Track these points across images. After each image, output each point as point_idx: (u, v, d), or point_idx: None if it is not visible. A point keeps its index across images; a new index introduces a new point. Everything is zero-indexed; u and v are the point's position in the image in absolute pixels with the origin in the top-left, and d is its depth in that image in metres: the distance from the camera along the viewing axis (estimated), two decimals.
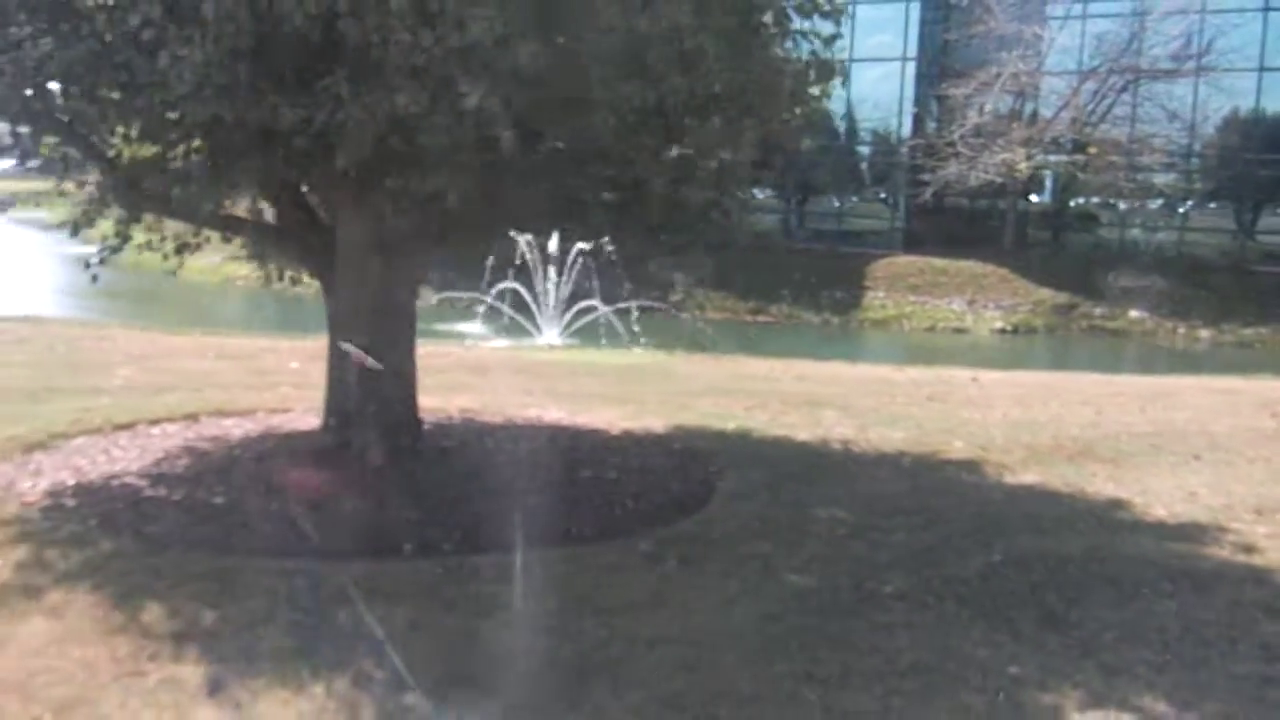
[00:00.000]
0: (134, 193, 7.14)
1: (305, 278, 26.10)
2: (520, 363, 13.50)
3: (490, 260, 22.19)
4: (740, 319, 30.88)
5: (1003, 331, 30.32)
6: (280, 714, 4.32)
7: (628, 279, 22.34)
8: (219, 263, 37.64)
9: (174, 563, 5.74)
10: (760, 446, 8.99)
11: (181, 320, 23.72)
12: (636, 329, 20.63)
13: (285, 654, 4.79)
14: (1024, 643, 5.22)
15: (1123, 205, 36.45)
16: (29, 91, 5.42)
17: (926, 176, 33.04)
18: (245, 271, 35.36)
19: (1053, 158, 33.11)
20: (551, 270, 23.26)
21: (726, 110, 6.74)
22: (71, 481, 7.13)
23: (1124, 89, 34.22)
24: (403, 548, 6.20)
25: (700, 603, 5.53)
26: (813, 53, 7.21)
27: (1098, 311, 31.10)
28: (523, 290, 23.55)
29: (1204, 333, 29.41)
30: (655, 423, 9.67)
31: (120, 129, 6.58)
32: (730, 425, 9.72)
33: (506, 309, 23.17)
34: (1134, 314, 30.69)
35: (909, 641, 5.16)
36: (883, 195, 38.65)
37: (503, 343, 21.19)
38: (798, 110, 7.38)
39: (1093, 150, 32.07)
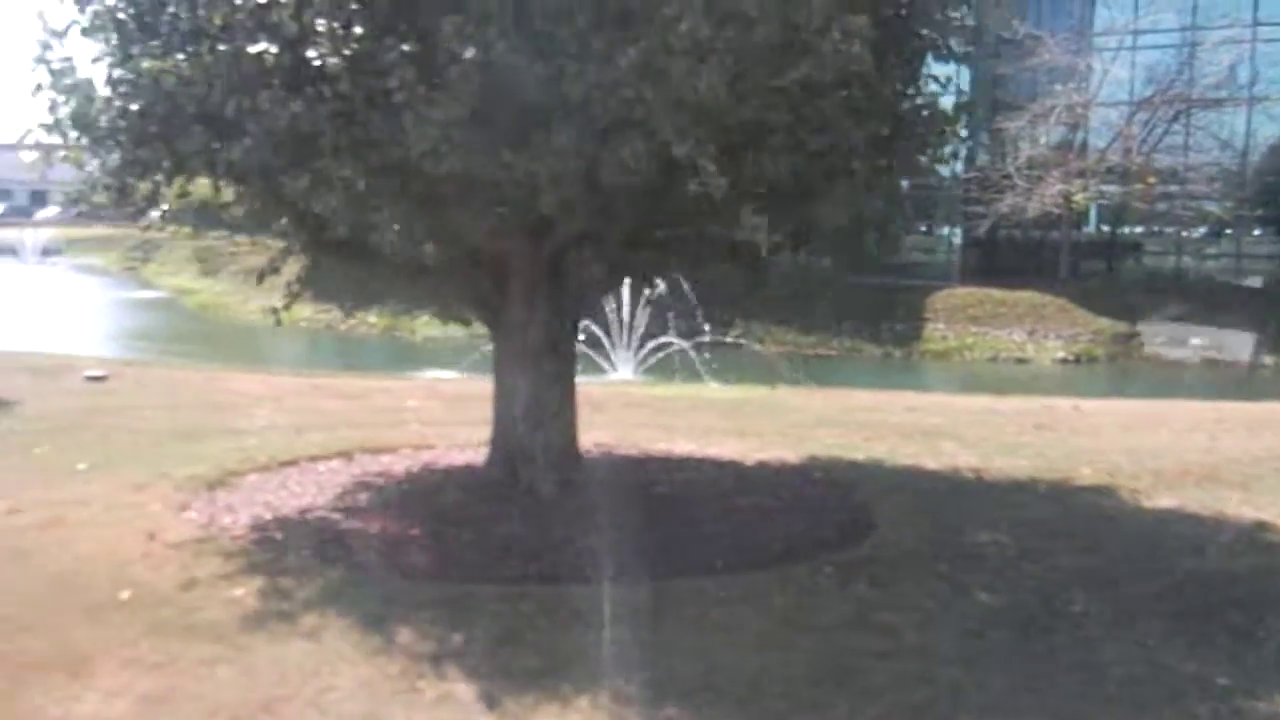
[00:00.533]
0: (318, 242, 7.58)
1: (372, 318, 27.02)
2: (630, 398, 13.83)
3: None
4: (801, 352, 31.08)
5: (1065, 361, 30.45)
6: None
7: (701, 315, 22.81)
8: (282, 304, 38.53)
9: (401, 590, 6.10)
10: (896, 476, 9.27)
11: (267, 361, 24.10)
12: (711, 364, 21.02)
13: (538, 671, 5.11)
14: (1222, 657, 5.48)
15: (1175, 233, 36.60)
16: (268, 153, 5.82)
17: (981, 209, 33.30)
18: (307, 313, 36.23)
19: (1108, 188, 33.29)
20: (624, 306, 23.69)
21: (890, 148, 7.12)
22: (268, 516, 7.51)
23: (1175, 118, 34.46)
24: (606, 573, 6.52)
25: (903, 621, 5.82)
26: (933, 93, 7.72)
27: (1159, 340, 31.18)
28: (594, 326, 23.96)
29: (1269, 359, 29.44)
30: (785, 454, 9.98)
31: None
32: (858, 456, 10.02)
33: (580, 345, 23.47)
34: (1195, 341, 30.75)
35: (1115, 655, 5.43)
36: (934, 229, 38.89)
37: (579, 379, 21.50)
38: (947, 148, 7.75)
39: (1151, 180, 32.25)
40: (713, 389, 15.57)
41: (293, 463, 9.15)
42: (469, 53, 5.32)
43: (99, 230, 74.59)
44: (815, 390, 15.93)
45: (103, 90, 6.53)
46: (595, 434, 10.59)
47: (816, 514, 8.10)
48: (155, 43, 6.02)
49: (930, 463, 9.88)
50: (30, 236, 60.11)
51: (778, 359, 24.01)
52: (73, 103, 6.58)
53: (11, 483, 8.25)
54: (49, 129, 7.00)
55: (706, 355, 21.61)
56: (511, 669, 5.13)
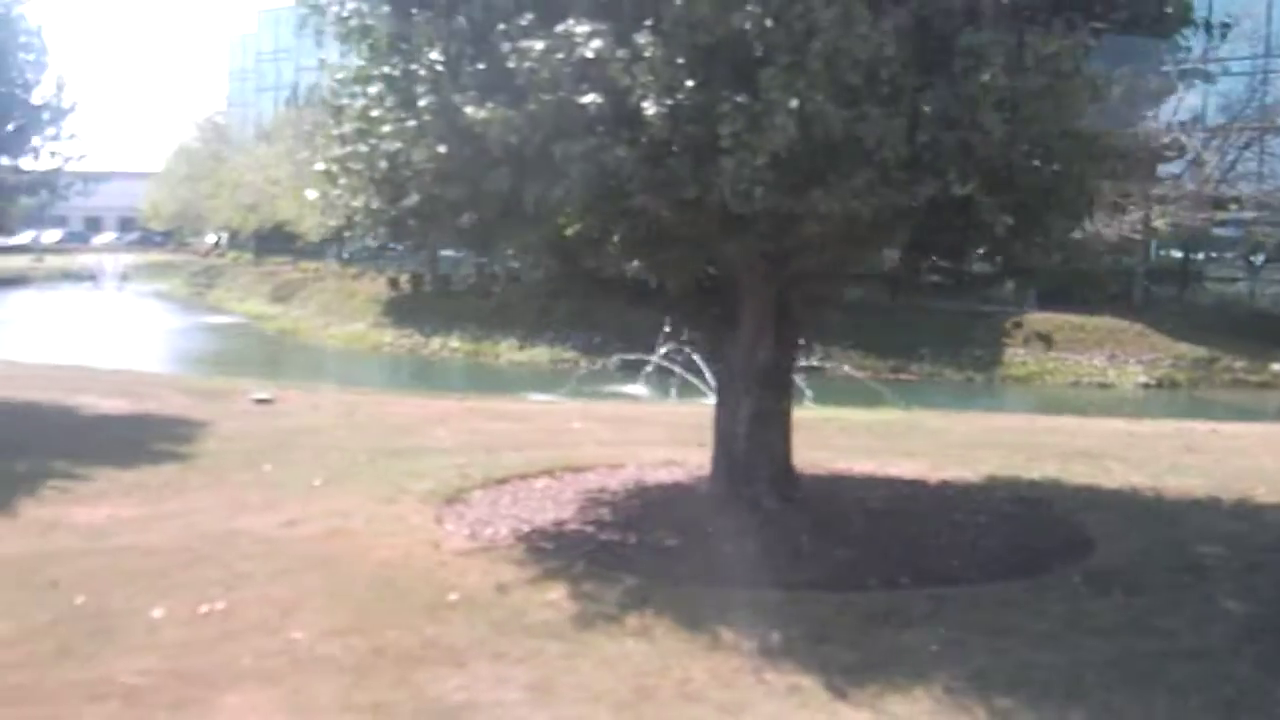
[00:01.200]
0: (573, 275, 8.16)
1: (454, 343, 27.72)
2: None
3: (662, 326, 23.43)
4: (881, 377, 31.41)
5: (1147, 386, 30.65)
6: (908, 710, 5.11)
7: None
8: (363, 330, 39.41)
9: (694, 595, 6.58)
10: (1082, 495, 9.68)
11: (379, 384, 24.74)
12: (807, 390, 21.53)
13: (860, 666, 5.59)
14: None
15: (1242, 258, 36.77)
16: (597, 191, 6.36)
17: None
18: (389, 339, 36.97)
19: (1191, 214, 33.48)
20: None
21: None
22: (526, 528, 8.04)
23: (1247, 145, 34.74)
24: (868, 581, 7.00)
25: (1177, 625, 6.25)
26: None
27: (1239, 365, 31.34)
28: (690, 351, 24.48)
29: None
30: (964, 474, 10.42)
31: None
32: (1034, 475, 10.44)
33: (678, 369, 24.05)
34: (1276, 367, 30.90)
35: None
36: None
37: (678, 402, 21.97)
38: None
39: (1234, 206, 32.50)
40: (845, 412, 16.03)
41: (506, 481, 9.67)
42: (793, 103, 5.84)
43: (155, 256, 76.37)
44: (946, 413, 16.37)
45: (388, 133, 7.10)
46: None
47: (1030, 529, 8.55)
48: (473, 92, 6.58)
49: (1105, 482, 10.27)
50: (110, 263, 61.40)
51: (870, 384, 24.41)
52: (360, 145, 7.19)
53: (267, 498, 8.83)
54: (328, 169, 7.64)
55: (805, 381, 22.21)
56: (836, 664, 5.59)
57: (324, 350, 36.90)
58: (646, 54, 6.00)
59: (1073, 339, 32.62)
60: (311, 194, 8.18)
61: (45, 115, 12.43)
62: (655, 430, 13.23)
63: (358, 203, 7.59)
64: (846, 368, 27.10)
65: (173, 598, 6.32)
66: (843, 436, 13.07)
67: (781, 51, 5.94)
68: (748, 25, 5.98)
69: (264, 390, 14.75)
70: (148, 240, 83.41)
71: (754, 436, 8.65)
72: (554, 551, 7.44)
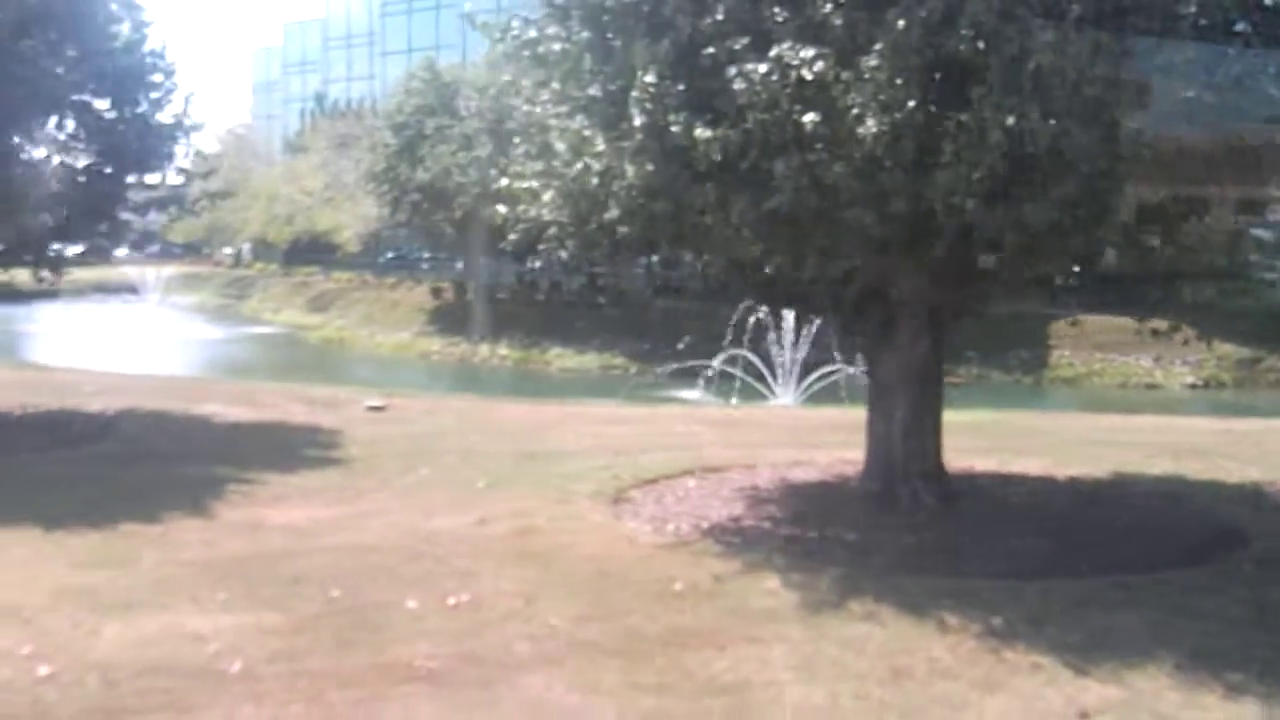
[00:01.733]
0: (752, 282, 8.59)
1: (503, 350, 28.14)
2: (853, 421, 14.65)
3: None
4: None
5: (1194, 386, 31.00)
6: (1150, 685, 5.50)
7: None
8: (409, 339, 39.88)
9: (898, 584, 6.97)
10: (1211, 489, 10.08)
11: (441, 391, 25.10)
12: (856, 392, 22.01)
13: (1086, 645, 5.97)
14: None
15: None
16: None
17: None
18: (437, 347, 37.41)
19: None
20: (786, 336, 24.67)
21: None
22: (705, 524, 8.44)
23: None
24: (1052, 571, 7.39)
25: None
26: None
27: None
28: (751, 356, 24.93)
29: None
30: (1088, 471, 10.81)
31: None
32: (1156, 471, 10.84)
33: (739, 374, 24.50)
34: None
35: None
36: None
37: (746, 405, 22.35)
38: None
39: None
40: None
41: (655, 481, 10.09)
42: (1009, 120, 6.26)
43: (181, 268, 76.81)
44: (1036, 413, 16.75)
45: (600, 152, 7.54)
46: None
47: (1178, 521, 8.94)
48: (684, 113, 7.00)
49: (1225, 477, 10.66)
50: (150, 276, 61.90)
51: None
52: (574, 164, 7.63)
53: (445, 499, 9.27)
54: (529, 186, 8.07)
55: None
56: (1064, 644, 5.98)
57: (374, 359, 37.36)
58: (866, 76, 6.40)
59: (1119, 341, 32.89)
60: (502, 209, 8.58)
61: (175, 133, 12.87)
62: (762, 433, 13.65)
63: (559, 216, 7.98)
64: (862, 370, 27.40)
65: (417, 591, 6.72)
66: (950, 436, 13.42)
67: (994, 71, 6.34)
68: (961, 48, 6.39)
69: (374, 399, 15.17)
70: (167, 253, 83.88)
71: (910, 437, 9.06)
72: (745, 545, 7.83)
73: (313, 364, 34.15)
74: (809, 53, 6.47)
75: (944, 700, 5.32)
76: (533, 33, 7.95)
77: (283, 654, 5.73)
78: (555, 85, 7.90)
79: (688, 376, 26.17)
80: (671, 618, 6.36)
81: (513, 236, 8.92)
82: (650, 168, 7.17)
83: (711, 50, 7.03)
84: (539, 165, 8.17)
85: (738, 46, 6.85)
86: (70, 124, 11.84)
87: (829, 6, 6.55)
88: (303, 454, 11.23)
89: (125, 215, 13.15)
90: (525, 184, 8.26)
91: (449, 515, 8.69)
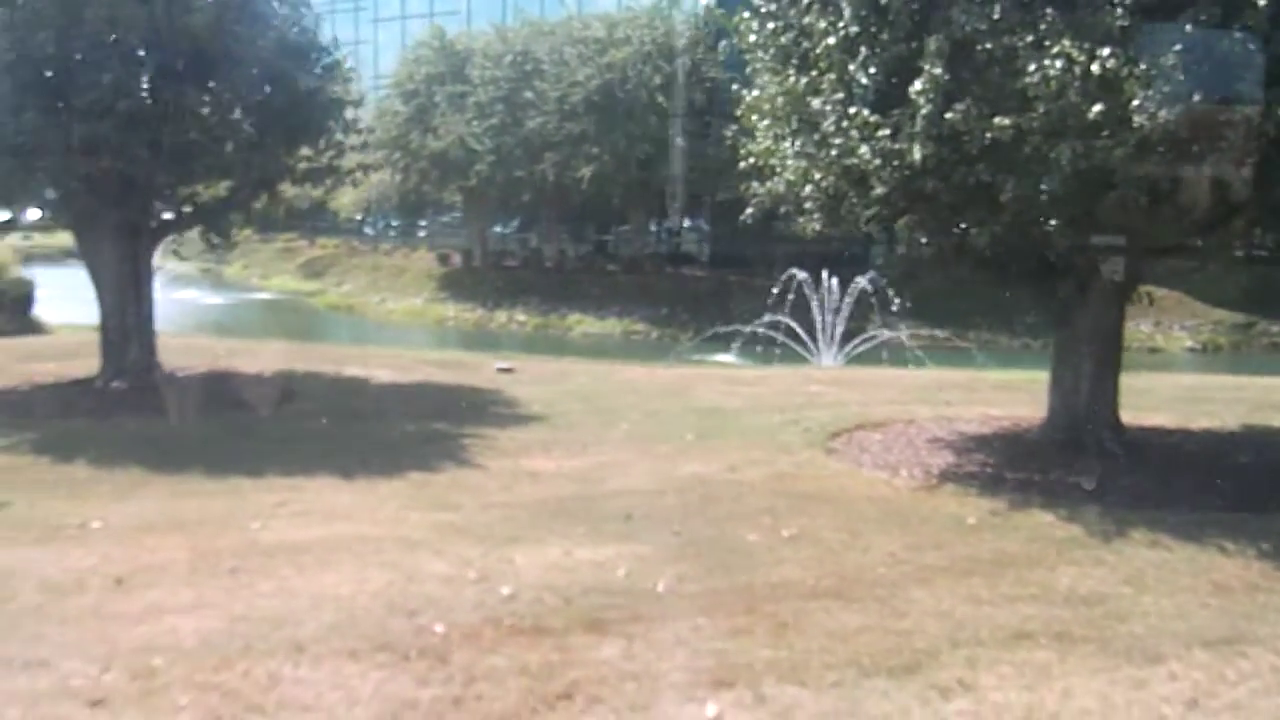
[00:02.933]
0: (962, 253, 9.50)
1: (520, 316, 28.99)
2: (948, 381, 15.72)
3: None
4: (940, 345, 33.02)
5: (1193, 350, 32.54)
6: None
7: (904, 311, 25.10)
8: (422, 304, 40.38)
9: (1155, 519, 7.96)
10: None
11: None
12: (918, 353, 23.20)
13: None
14: None
15: None
16: None
17: None
18: (452, 313, 37.97)
19: None
20: (829, 304, 25.74)
21: None
22: (933, 470, 9.39)
23: None
24: (1267, 506, 8.43)
25: None
26: None
27: (1275, 329, 33.32)
28: (789, 322, 25.95)
29: None
30: (1214, 424, 11.92)
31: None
32: (1275, 423, 11.95)
33: (780, 337, 25.53)
34: None
35: None
36: None
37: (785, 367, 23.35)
38: None
39: None
40: (1013, 374, 17.60)
41: (838, 434, 11.01)
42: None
43: None
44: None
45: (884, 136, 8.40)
46: (1018, 409, 12.45)
47: None
48: (965, 102, 7.90)
49: None
50: None
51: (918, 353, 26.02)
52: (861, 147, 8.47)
53: (671, 450, 10.13)
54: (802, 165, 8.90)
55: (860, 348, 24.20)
56: None
57: (390, 324, 37.87)
58: (1154, 73, 7.32)
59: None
60: (779, 185, 9.33)
61: (337, 108, 13.47)
62: (884, 392, 14.61)
63: (814, 192, 8.83)
64: (903, 336, 28.61)
65: (743, 526, 7.60)
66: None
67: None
68: (1235, 49, 7.34)
69: (503, 360, 15.94)
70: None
71: (1095, 391, 10.06)
72: (989, 487, 8.79)
73: (334, 328, 34.68)
74: (1104, 51, 7.35)
75: (1273, 607, 6.30)
76: (771, 25, 8.82)
77: (685, 577, 6.58)
78: (826, 73, 8.64)
79: (717, 341, 27.24)
80: (986, 545, 7.30)
81: (749, 210, 9.75)
82: (928, 150, 8.03)
83: (989, 46, 7.88)
84: (796, 144, 8.99)
85: (1020, 44, 7.71)
86: (237, 98, 12.28)
87: (1119, 10, 7.43)
88: (491, 412, 12.00)
89: (285, 187, 13.68)
90: (782, 160, 9.08)
91: (696, 463, 9.54)
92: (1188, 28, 7.31)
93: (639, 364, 19.46)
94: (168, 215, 12.83)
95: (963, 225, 8.74)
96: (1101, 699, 5.02)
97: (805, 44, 8.88)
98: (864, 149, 8.27)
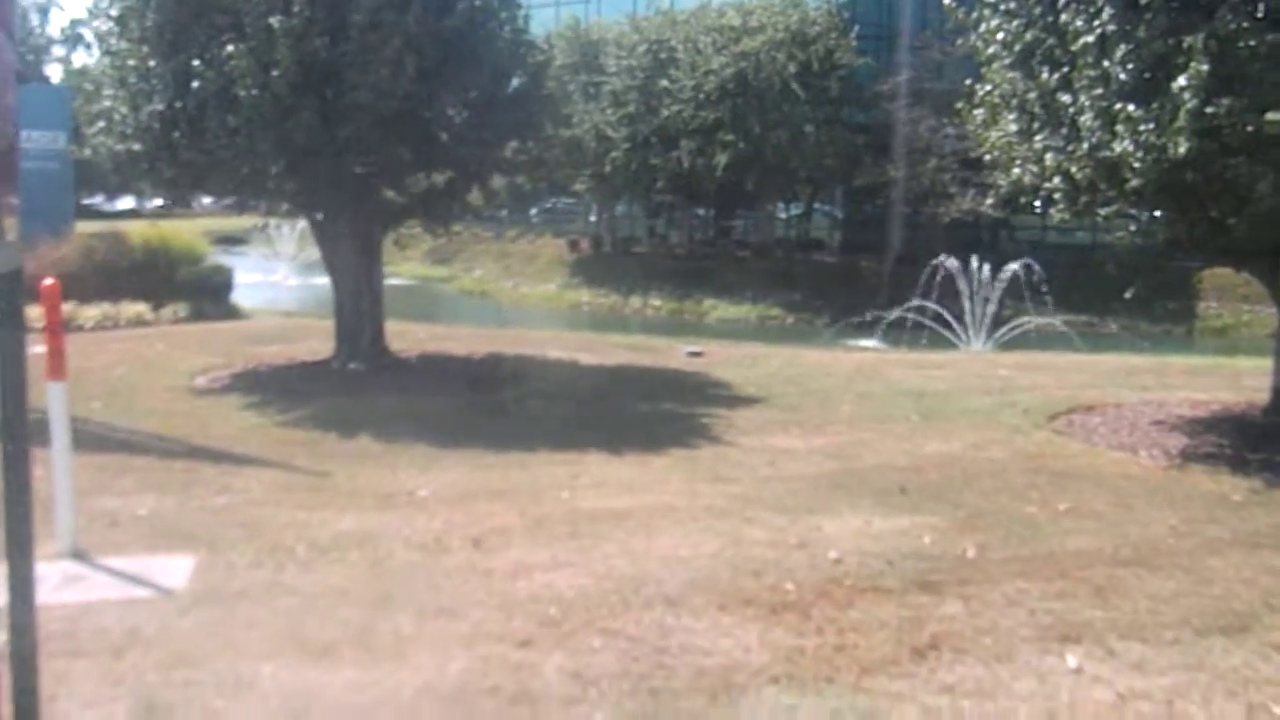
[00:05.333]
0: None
1: (656, 301, 29.46)
2: (1134, 366, 15.90)
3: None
4: (1080, 331, 32.96)
5: None
6: None
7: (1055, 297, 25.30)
8: (556, 290, 41.27)
9: None
10: None
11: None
12: (1074, 337, 23.40)
13: None
14: None
15: None
16: None
17: None
18: (586, 298, 38.75)
19: None
20: (981, 291, 25.95)
21: None
22: (1171, 450, 9.73)
23: None
24: None
25: None
26: None
27: None
28: (935, 308, 26.20)
29: None
30: None
31: None
32: None
33: (929, 323, 25.82)
34: None
35: None
36: None
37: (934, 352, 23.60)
38: None
39: None
40: (1184, 359, 17.88)
41: (1057, 417, 11.36)
42: None
43: (257, 218, 77.98)
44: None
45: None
46: (1219, 394, 12.62)
47: None
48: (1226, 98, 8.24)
49: None
50: (248, 225, 62.93)
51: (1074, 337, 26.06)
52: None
53: (904, 430, 10.62)
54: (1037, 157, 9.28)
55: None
56: None
57: (527, 309, 38.81)
58: None
59: (1262, 292, 33.81)
60: (1025, 175, 9.74)
61: (545, 107, 14.13)
62: (1072, 376, 14.86)
63: (1061, 183, 9.23)
64: (1057, 321, 28.61)
65: (1016, 501, 8.06)
66: (1252, 378, 14.67)
67: None
68: None
69: (692, 345, 16.54)
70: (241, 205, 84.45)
71: None
72: (1234, 467, 9.12)
73: (479, 313, 35.66)
74: None
75: None
76: (1015, 23, 9.27)
77: (987, 545, 7.06)
78: (1085, 70, 8.99)
79: (860, 327, 27.62)
80: (1261, 521, 7.67)
81: (989, 200, 10.17)
82: (1191, 143, 8.37)
83: (1253, 43, 8.20)
84: (1042, 136, 9.39)
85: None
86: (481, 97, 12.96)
87: None
88: (710, 394, 12.59)
89: (497, 180, 14.39)
90: (1028, 152, 9.48)
91: (936, 442, 10.02)
92: None
93: (809, 348, 19.94)
94: (396, 207, 13.58)
95: (1212, 215, 9.01)
96: None
97: (1050, 40, 9.24)
98: (1126, 142, 8.61)
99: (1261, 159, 8.32)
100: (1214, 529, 7.47)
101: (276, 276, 47.64)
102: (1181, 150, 8.31)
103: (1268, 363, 16.61)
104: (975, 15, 10.16)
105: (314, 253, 33.42)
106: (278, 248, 61.12)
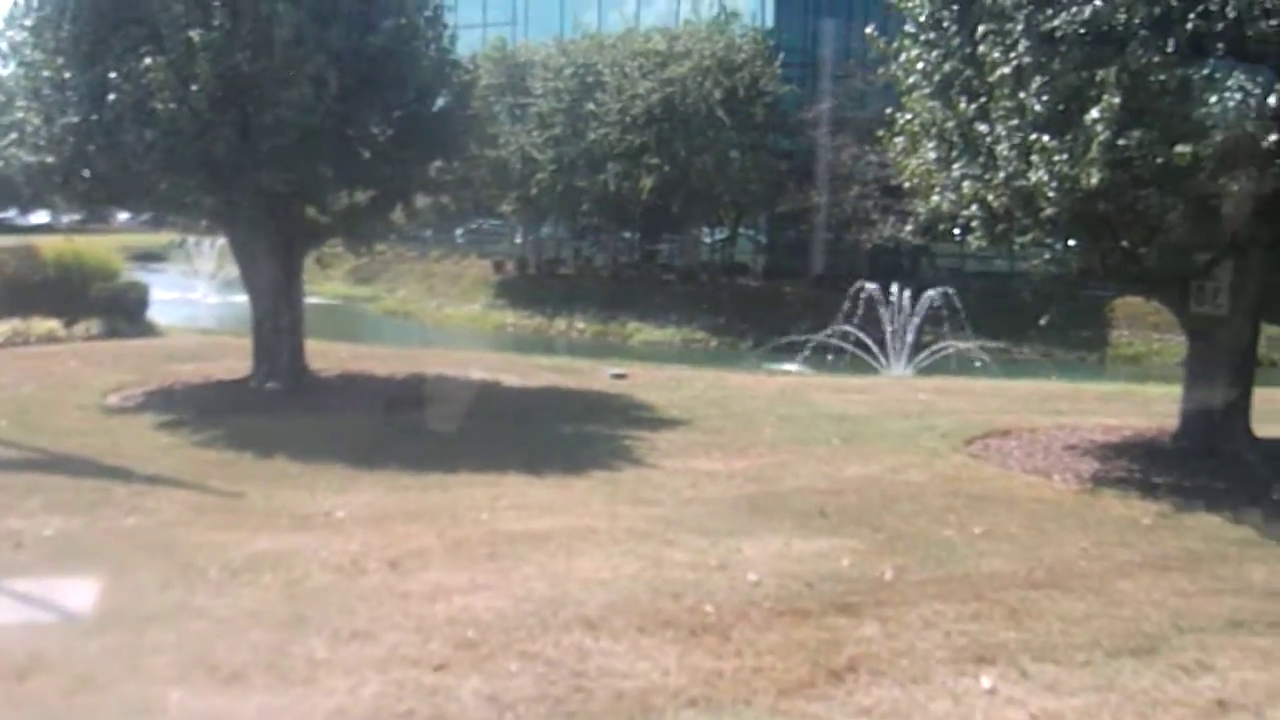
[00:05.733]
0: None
1: (580, 324, 29.69)
2: (1050, 392, 16.23)
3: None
4: (998, 357, 33.56)
5: None
6: None
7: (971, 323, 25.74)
8: (480, 311, 41.02)
9: None
10: None
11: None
12: (985, 360, 23.90)
13: None
14: None
15: None
16: None
17: None
18: (511, 319, 38.56)
19: None
20: (901, 317, 26.34)
21: None
22: (1083, 475, 9.91)
23: None
24: None
25: None
26: None
27: None
28: (857, 333, 26.56)
29: None
30: None
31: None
32: None
33: (851, 348, 26.16)
34: None
35: None
36: None
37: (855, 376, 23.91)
38: None
39: None
40: (1091, 386, 18.28)
41: (972, 441, 11.53)
42: None
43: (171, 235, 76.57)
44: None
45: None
46: (1130, 419, 12.93)
47: None
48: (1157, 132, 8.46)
49: None
50: (164, 241, 61.74)
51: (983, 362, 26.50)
52: None
53: (825, 453, 10.70)
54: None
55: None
56: None
57: (451, 330, 38.47)
58: None
59: (1172, 321, 34.71)
60: (942, 202, 9.87)
61: (471, 125, 14.10)
62: (989, 401, 15.10)
63: (976, 210, 9.40)
64: (975, 347, 29.07)
65: (932, 523, 8.16)
66: (1162, 405, 15.00)
67: None
68: None
69: (616, 367, 16.54)
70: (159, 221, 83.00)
71: (1230, 403, 10.58)
72: (1145, 491, 9.31)
73: (402, 334, 35.34)
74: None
75: None
76: (934, 54, 9.44)
77: (905, 568, 7.13)
78: (1001, 100, 9.17)
79: (782, 350, 27.88)
80: (1169, 544, 7.84)
81: (909, 227, 10.33)
82: (1103, 174, 8.57)
83: (1163, 77, 8.43)
84: (960, 165, 9.55)
85: (1196, 76, 8.26)
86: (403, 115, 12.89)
87: None
88: (634, 415, 12.59)
89: (421, 199, 14.30)
90: (945, 180, 9.64)
91: (855, 465, 10.11)
92: None
93: (733, 371, 20.04)
94: (318, 225, 13.43)
95: (1124, 244, 9.24)
96: None
97: (969, 71, 9.42)
98: (1041, 172, 8.79)
99: (1171, 190, 8.54)
100: (1124, 552, 7.61)
101: (195, 294, 46.74)
102: (1094, 181, 8.50)
103: (1177, 390, 17.01)
104: (896, 45, 10.33)
105: (234, 270, 32.84)
106: (197, 264, 60.06)
